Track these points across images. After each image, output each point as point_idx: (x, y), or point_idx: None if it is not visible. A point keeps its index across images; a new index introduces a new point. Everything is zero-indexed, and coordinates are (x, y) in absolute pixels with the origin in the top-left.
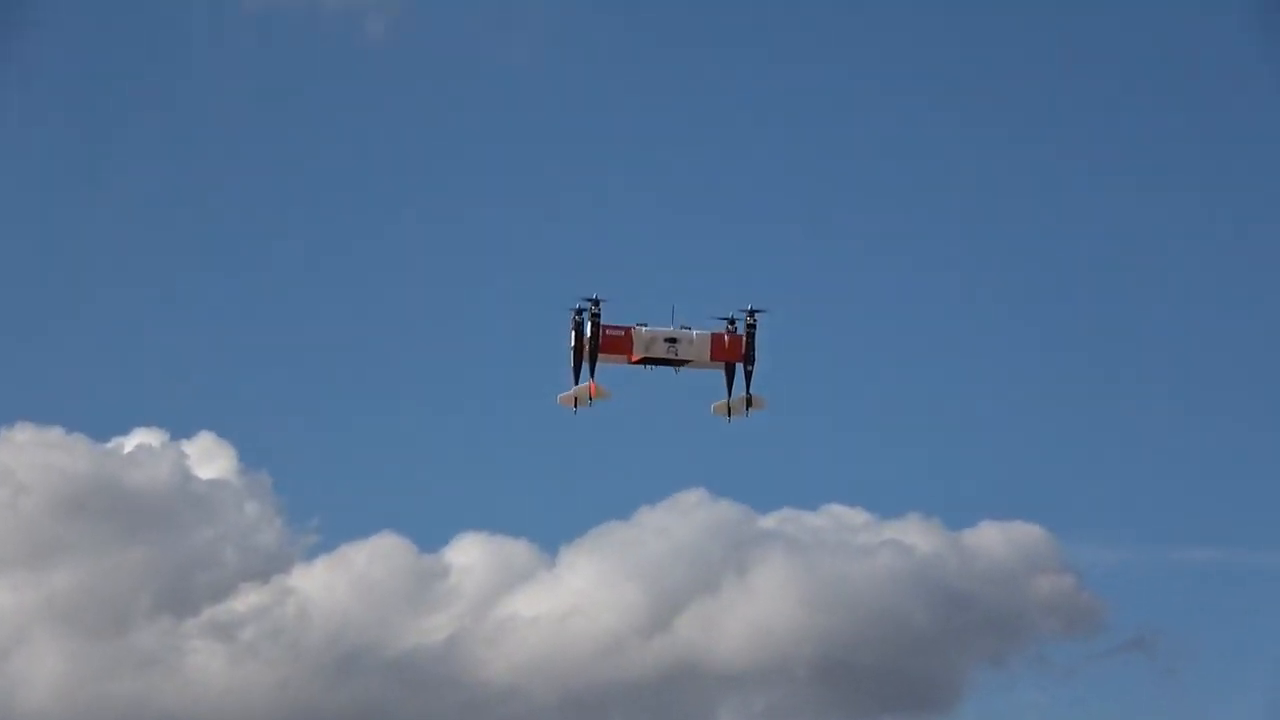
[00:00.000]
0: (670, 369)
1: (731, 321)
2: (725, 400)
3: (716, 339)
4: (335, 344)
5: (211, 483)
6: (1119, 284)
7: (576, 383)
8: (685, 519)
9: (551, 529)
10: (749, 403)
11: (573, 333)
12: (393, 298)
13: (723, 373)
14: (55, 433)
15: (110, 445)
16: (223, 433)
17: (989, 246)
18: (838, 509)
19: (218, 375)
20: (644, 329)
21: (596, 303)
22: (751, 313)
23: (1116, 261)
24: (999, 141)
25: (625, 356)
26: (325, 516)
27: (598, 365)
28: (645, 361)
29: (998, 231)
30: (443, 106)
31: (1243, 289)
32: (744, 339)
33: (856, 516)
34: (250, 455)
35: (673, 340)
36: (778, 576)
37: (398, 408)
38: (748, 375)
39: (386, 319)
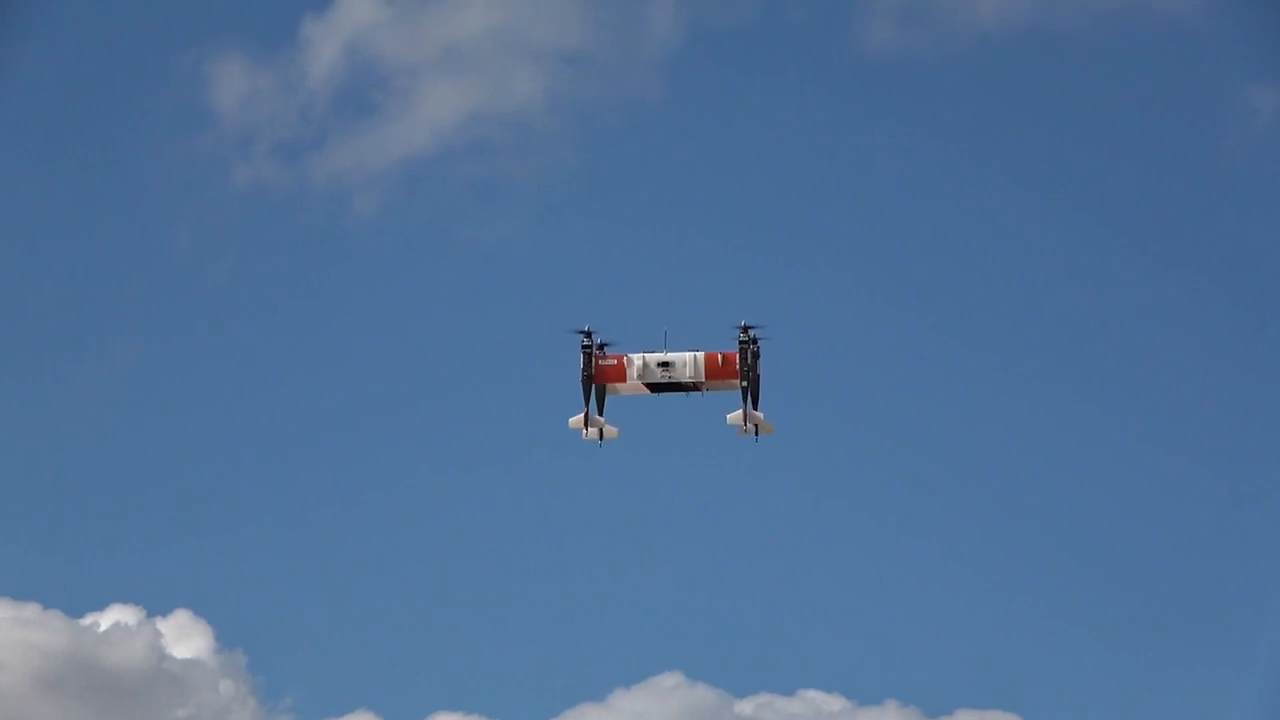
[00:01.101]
0: (687, 394)
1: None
2: (740, 411)
3: (710, 358)
4: (312, 524)
5: (186, 662)
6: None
7: (586, 407)
8: (662, 703)
9: (526, 710)
10: (753, 425)
11: (581, 359)
12: (369, 478)
13: (740, 394)
14: (32, 609)
15: (86, 622)
16: (199, 610)
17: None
18: (815, 695)
19: (195, 552)
20: (636, 356)
21: (589, 334)
22: (746, 329)
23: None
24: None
25: (623, 383)
26: (299, 695)
27: (608, 396)
28: (655, 388)
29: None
30: (431, 284)
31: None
32: (738, 355)
33: (834, 703)
34: (226, 633)
35: (666, 364)
36: None
37: (373, 587)
38: (744, 394)
39: (363, 501)
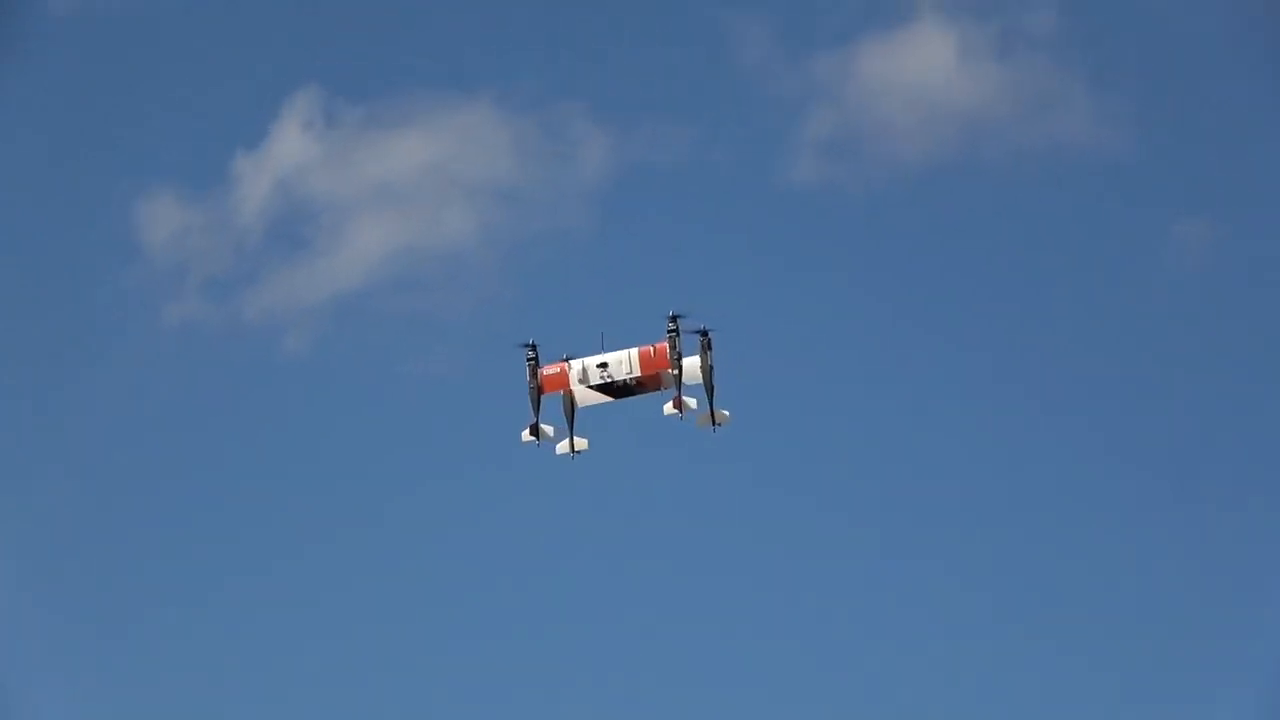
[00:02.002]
0: (648, 407)
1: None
2: (708, 411)
3: (643, 352)
4: (244, 667)
5: None
6: None
7: (536, 417)
8: None
9: None
10: (709, 416)
11: (527, 371)
12: (309, 620)
13: (701, 393)
14: None
15: None
16: None
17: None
18: None
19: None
20: (576, 361)
21: (533, 347)
22: (674, 318)
23: None
24: None
25: (567, 389)
26: None
27: (576, 409)
28: (616, 393)
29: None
30: (365, 418)
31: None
32: (667, 344)
33: None
34: None
35: (603, 365)
36: None
37: None
38: (677, 378)
39: (300, 640)
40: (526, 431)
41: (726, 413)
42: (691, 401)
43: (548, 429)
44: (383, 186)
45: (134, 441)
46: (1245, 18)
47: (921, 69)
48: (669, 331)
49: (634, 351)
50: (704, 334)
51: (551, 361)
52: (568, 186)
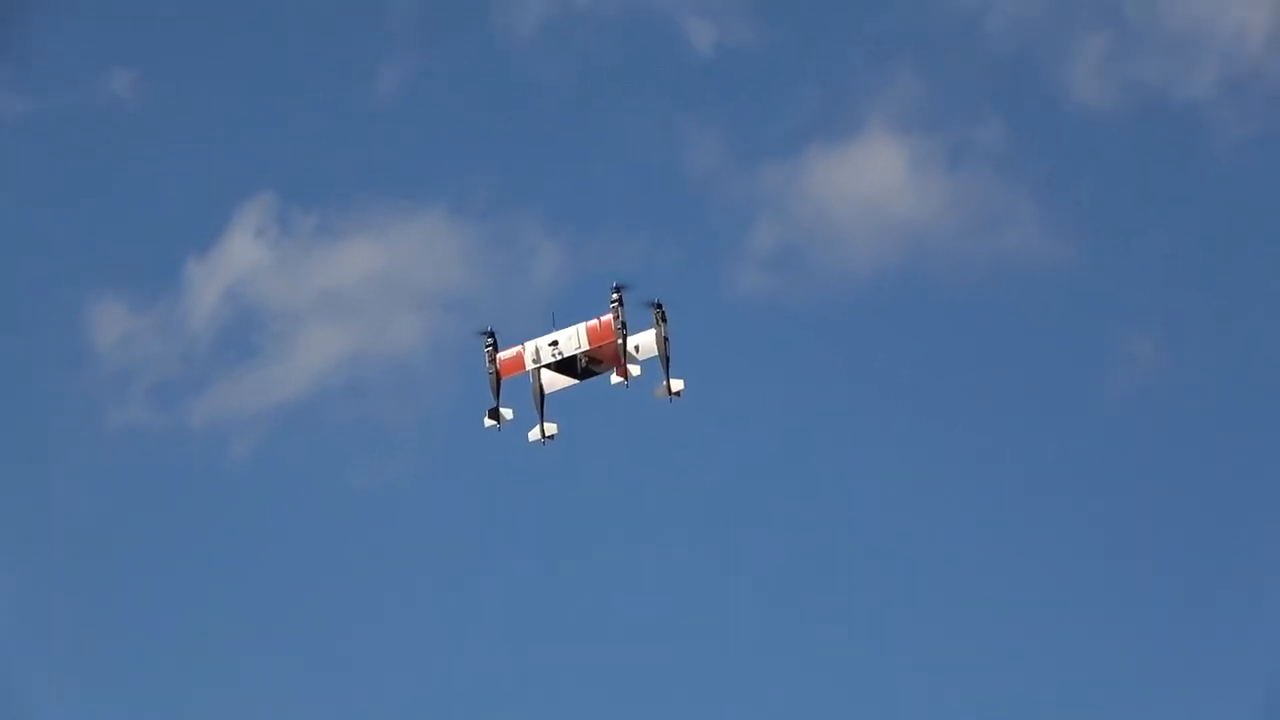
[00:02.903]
0: (603, 382)
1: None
2: (664, 383)
3: (590, 327)
4: None
5: None
6: None
7: (496, 401)
8: None
9: None
10: (667, 388)
11: (485, 353)
12: None
13: (658, 365)
14: None
15: None
16: None
17: None
18: None
19: None
20: (530, 343)
21: (491, 334)
22: (618, 288)
23: None
24: None
25: (522, 370)
26: None
27: (545, 395)
28: (570, 373)
29: None
30: (310, 527)
31: None
32: (613, 316)
33: None
34: None
35: (554, 342)
36: None
37: None
38: (622, 347)
39: None
40: (487, 417)
41: (681, 383)
42: (635, 369)
43: (507, 412)
44: (333, 294)
45: (76, 547)
46: (1192, 130)
47: (871, 180)
48: (612, 303)
49: (581, 327)
50: (657, 306)
51: (510, 346)
52: (519, 295)
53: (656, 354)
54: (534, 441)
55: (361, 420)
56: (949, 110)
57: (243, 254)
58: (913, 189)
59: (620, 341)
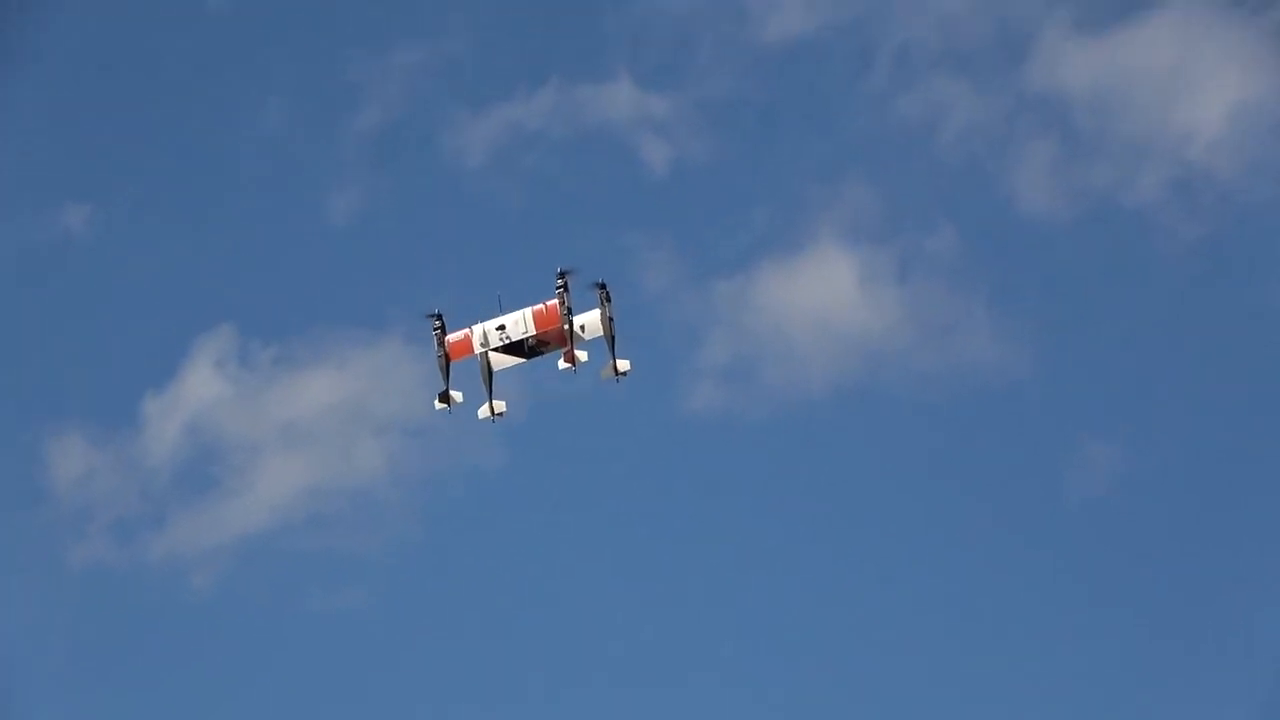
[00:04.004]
0: (550, 363)
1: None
2: (610, 363)
3: (536, 311)
4: None
5: None
6: None
7: (446, 384)
8: None
9: None
10: (613, 369)
11: (434, 337)
12: None
13: (604, 345)
14: None
15: None
16: None
17: None
18: None
19: None
20: (478, 326)
21: (439, 317)
22: (562, 274)
23: None
24: None
25: (471, 354)
26: None
27: (494, 373)
28: (517, 354)
29: None
30: (273, 658)
31: None
32: (558, 300)
33: None
34: None
35: (501, 327)
36: None
37: None
38: (569, 332)
39: None
40: (437, 400)
41: (627, 363)
42: (582, 355)
43: (457, 395)
44: (293, 425)
45: (36, 682)
46: (1142, 233)
47: (822, 293)
48: (558, 288)
49: (528, 311)
50: (601, 286)
51: (457, 329)
52: (482, 423)
53: (602, 334)
54: (483, 419)
55: (324, 548)
56: (899, 221)
57: (201, 387)
58: (864, 301)
59: (566, 326)
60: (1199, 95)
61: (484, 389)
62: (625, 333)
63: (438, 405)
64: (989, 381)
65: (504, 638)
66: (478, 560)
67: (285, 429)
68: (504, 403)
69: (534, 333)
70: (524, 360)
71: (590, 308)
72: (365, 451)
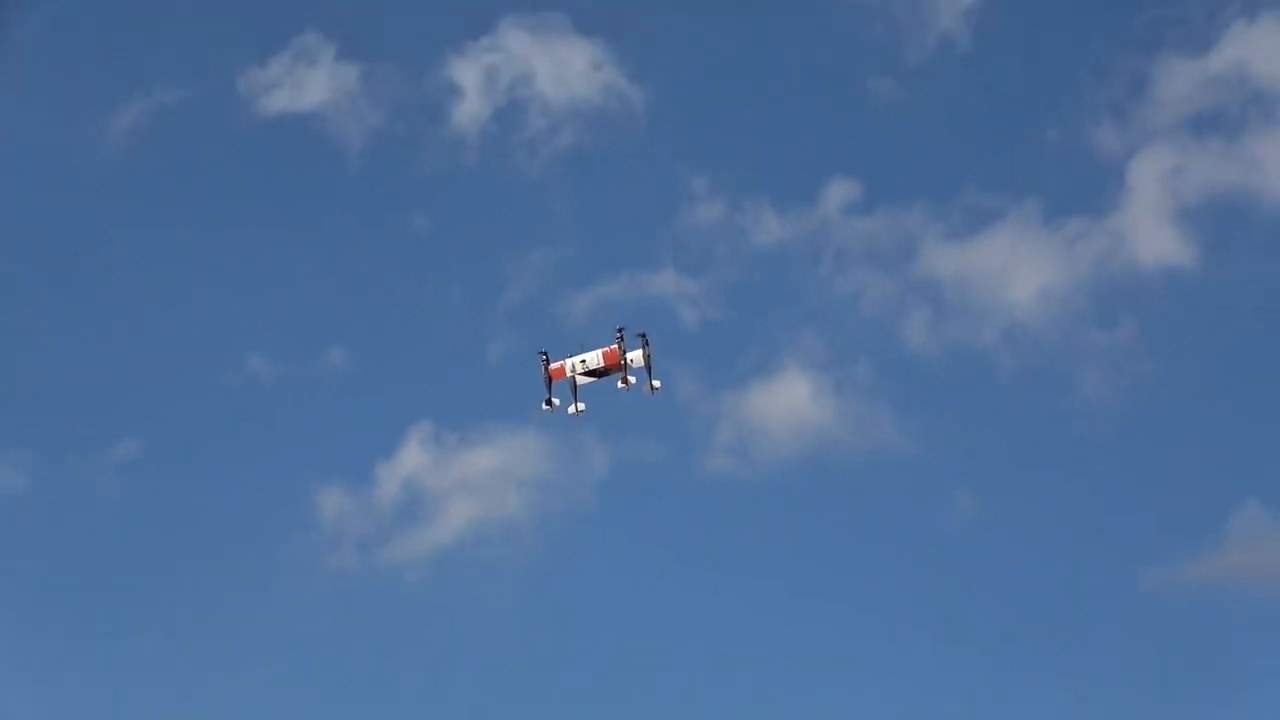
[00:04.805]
0: (613, 383)
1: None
2: (649, 382)
3: (605, 351)
4: None
5: None
6: None
7: (549, 394)
8: None
9: None
10: (649, 386)
11: (541, 366)
12: None
13: (644, 374)
14: None
15: None
16: None
17: None
18: None
19: None
20: (567, 361)
21: (545, 354)
22: (619, 330)
23: None
24: None
25: (565, 377)
26: None
27: (579, 386)
28: (591, 375)
29: None
30: (458, 629)
31: None
32: (618, 345)
33: None
34: None
35: (584, 360)
36: None
37: None
38: (624, 364)
39: None
40: (544, 404)
41: (659, 383)
42: (632, 379)
43: (556, 401)
44: (467, 481)
45: (299, 653)
46: (985, 366)
47: (789, 401)
48: (617, 338)
49: (599, 351)
50: (643, 336)
51: (556, 361)
52: (584, 480)
53: (644, 365)
54: (572, 414)
55: (485, 558)
56: (836, 359)
57: (412, 458)
58: (815, 406)
59: (622, 359)
60: (1021, 279)
61: (572, 397)
62: (658, 369)
63: (544, 408)
64: (887, 456)
65: (616, 632)
66: (585, 573)
67: (462, 484)
68: (584, 404)
69: (602, 364)
70: (596, 380)
71: (636, 348)
72: (511, 498)
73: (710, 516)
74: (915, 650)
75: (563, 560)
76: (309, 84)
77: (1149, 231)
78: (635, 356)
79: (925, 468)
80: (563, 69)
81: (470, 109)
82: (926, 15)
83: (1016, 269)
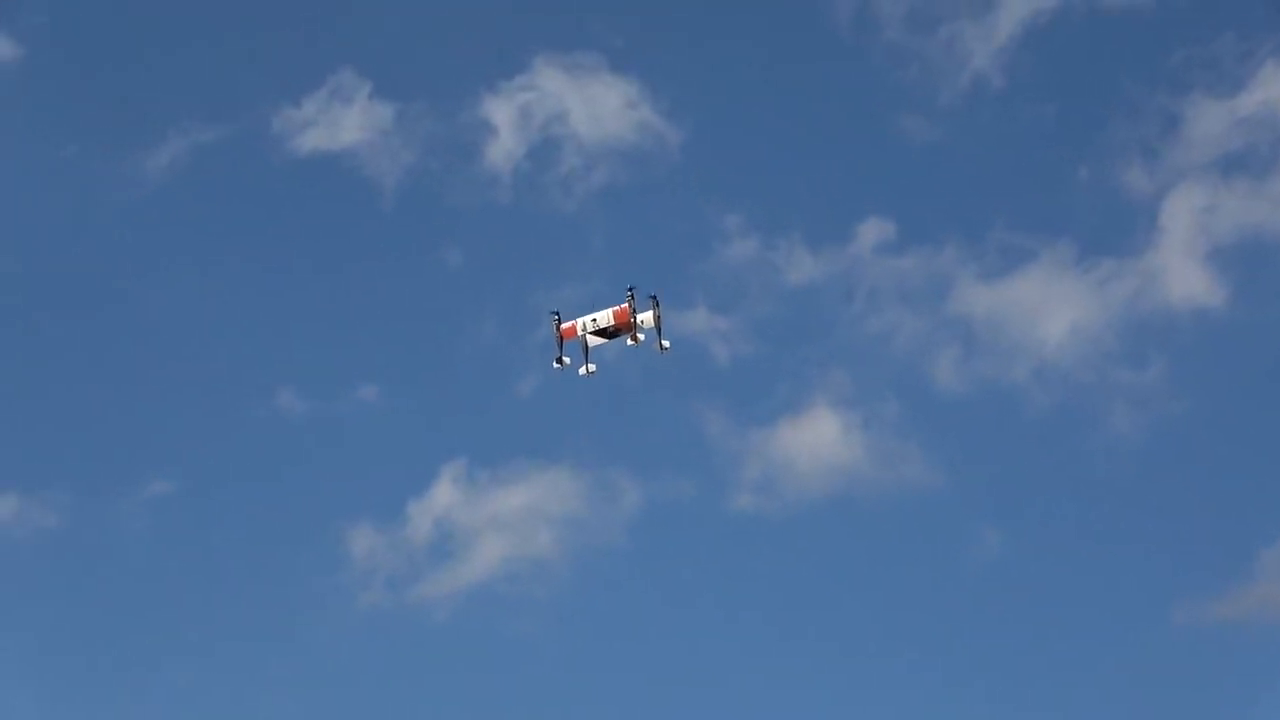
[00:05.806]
0: (623, 342)
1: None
2: (659, 341)
3: (616, 310)
4: None
5: None
6: None
7: (560, 352)
8: None
9: None
10: (660, 345)
11: (552, 325)
12: None
13: (654, 334)
14: None
15: None
16: None
17: None
18: None
19: None
20: (578, 321)
21: (557, 313)
22: (630, 290)
23: None
24: None
25: (575, 337)
26: None
27: (590, 347)
28: (602, 335)
29: None
30: (486, 663)
31: None
32: (628, 305)
33: None
34: None
35: (594, 319)
36: None
37: None
38: (634, 323)
39: None
40: (555, 362)
41: (668, 343)
42: (642, 337)
43: (567, 359)
44: (497, 518)
45: (331, 688)
46: (1013, 403)
47: (818, 438)
48: (629, 297)
49: (610, 310)
50: (654, 298)
51: (567, 321)
52: (614, 518)
53: (654, 326)
54: (582, 375)
55: (515, 594)
56: (863, 396)
57: (444, 496)
58: (843, 443)
59: (632, 319)
60: (1053, 318)
61: (583, 358)
62: (666, 332)
63: (555, 365)
64: (912, 493)
65: (647, 670)
66: (616, 610)
67: (493, 521)
68: (595, 365)
69: (613, 323)
70: (607, 341)
71: (647, 309)
72: (543, 535)
73: (739, 554)
74: (945, 686)
75: (593, 597)
76: (344, 122)
77: (1180, 271)
78: (646, 318)
79: (954, 505)
80: (597, 107)
81: (504, 147)
82: (959, 55)
83: (1048, 308)
